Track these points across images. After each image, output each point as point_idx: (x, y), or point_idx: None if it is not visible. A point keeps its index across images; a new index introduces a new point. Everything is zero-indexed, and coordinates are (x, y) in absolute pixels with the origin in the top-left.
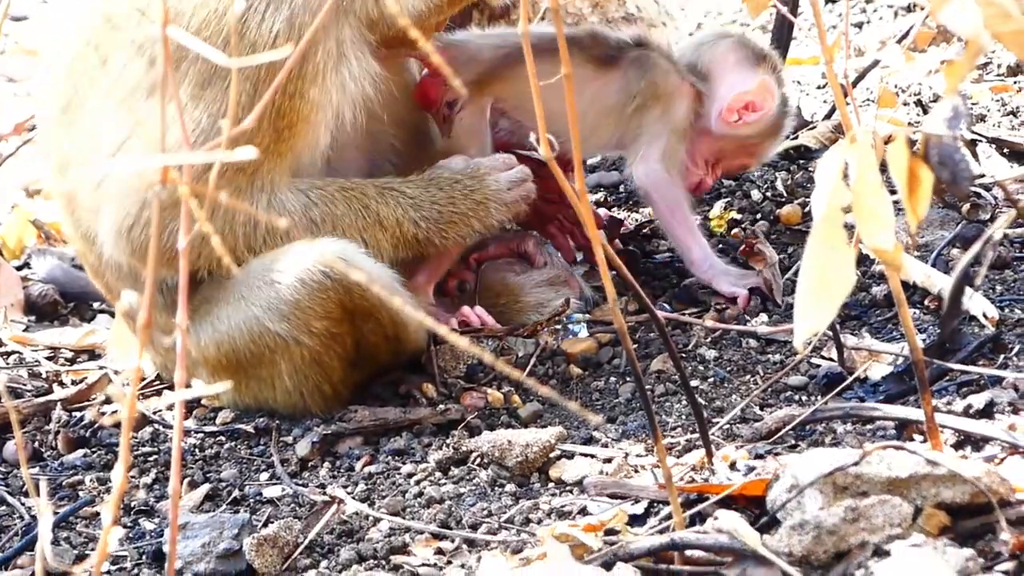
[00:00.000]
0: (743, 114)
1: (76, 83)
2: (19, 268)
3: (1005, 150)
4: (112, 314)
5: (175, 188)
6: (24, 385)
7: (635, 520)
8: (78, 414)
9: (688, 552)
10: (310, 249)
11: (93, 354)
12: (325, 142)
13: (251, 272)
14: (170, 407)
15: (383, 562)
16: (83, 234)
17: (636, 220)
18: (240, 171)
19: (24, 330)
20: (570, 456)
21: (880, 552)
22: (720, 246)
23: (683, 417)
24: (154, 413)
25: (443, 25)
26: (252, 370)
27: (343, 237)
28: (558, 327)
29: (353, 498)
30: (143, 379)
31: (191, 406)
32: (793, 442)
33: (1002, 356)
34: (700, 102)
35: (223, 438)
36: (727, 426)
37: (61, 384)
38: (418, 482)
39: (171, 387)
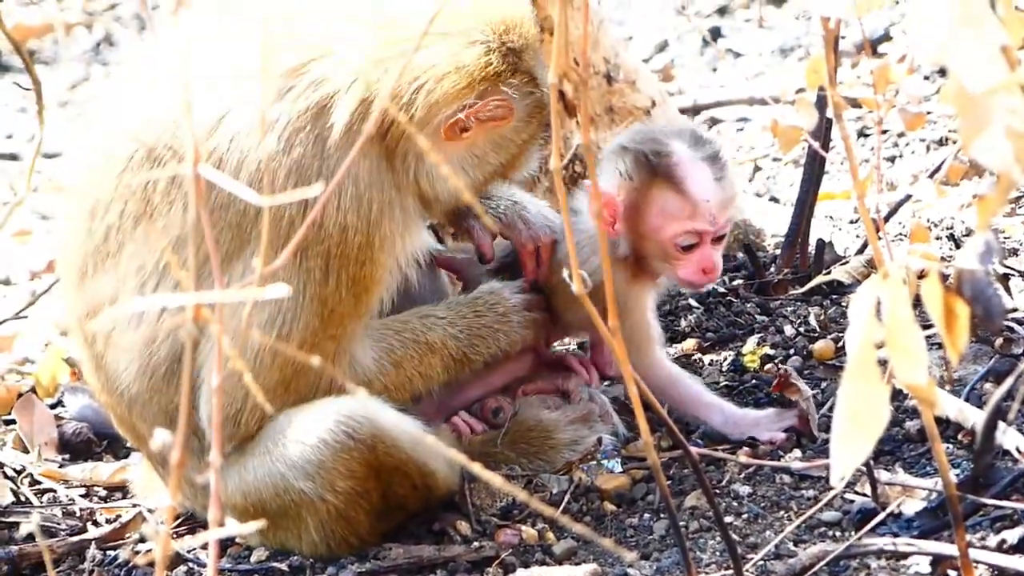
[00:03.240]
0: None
1: (106, 228)
2: (52, 406)
3: None
4: None
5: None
6: (59, 524)
7: None
8: (112, 553)
9: None
10: (333, 407)
11: (126, 491)
12: (387, 299)
13: (277, 426)
14: (204, 546)
15: None
16: (109, 380)
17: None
18: (330, 338)
19: (59, 467)
20: None
21: None
22: (754, 381)
23: (717, 553)
24: (188, 552)
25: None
26: (279, 520)
27: (403, 374)
28: (592, 463)
29: None
30: (177, 517)
31: (225, 545)
32: None
33: None
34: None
35: None
36: (761, 562)
37: (95, 523)
38: None
39: (204, 526)
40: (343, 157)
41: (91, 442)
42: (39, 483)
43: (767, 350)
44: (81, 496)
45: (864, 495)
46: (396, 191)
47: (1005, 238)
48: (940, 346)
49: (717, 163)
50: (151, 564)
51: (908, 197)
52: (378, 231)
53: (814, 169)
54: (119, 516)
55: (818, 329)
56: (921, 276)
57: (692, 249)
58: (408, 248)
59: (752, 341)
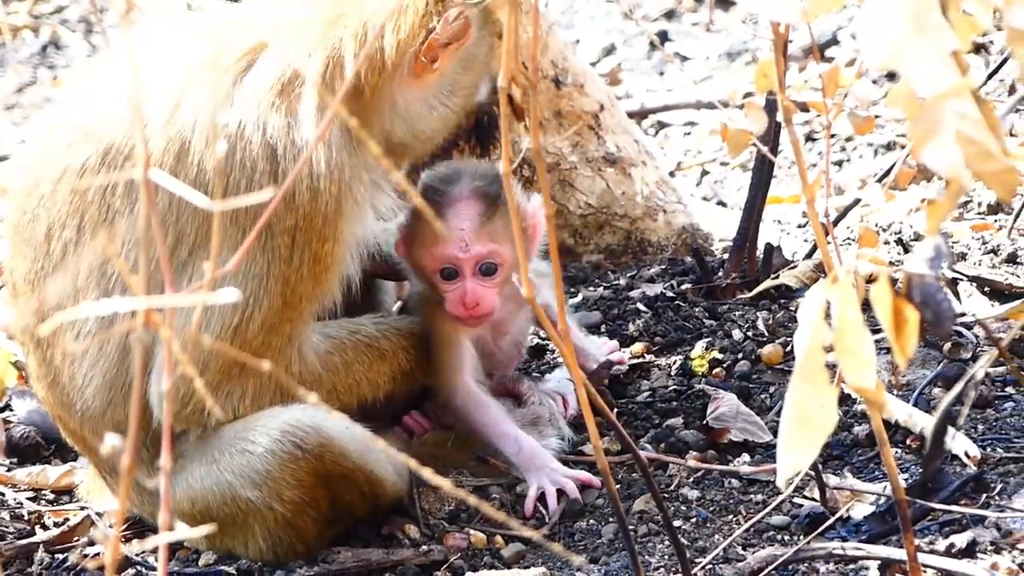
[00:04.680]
0: None
1: (59, 240)
2: (0, 410)
3: (986, 289)
4: None
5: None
6: (6, 527)
7: None
8: (60, 556)
9: None
10: (281, 416)
11: (74, 495)
12: (344, 281)
13: (224, 436)
14: (153, 550)
15: None
16: (63, 392)
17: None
18: (288, 320)
19: (7, 471)
20: None
21: None
22: (699, 386)
23: (666, 557)
24: (137, 555)
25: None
26: (227, 527)
27: (352, 376)
28: None
29: None
30: (126, 521)
31: (173, 549)
32: None
33: (984, 495)
34: None
35: None
36: (710, 566)
37: (43, 526)
38: None
39: (153, 530)
40: (314, 125)
41: (39, 446)
42: None
43: (715, 354)
44: (29, 499)
45: (813, 499)
46: (366, 155)
47: (953, 242)
48: (888, 350)
49: (484, 199)
50: (100, 568)
51: (857, 201)
52: (349, 196)
53: (763, 173)
54: (67, 519)
55: (766, 333)
56: (870, 280)
57: (454, 280)
58: (371, 221)
59: (700, 345)
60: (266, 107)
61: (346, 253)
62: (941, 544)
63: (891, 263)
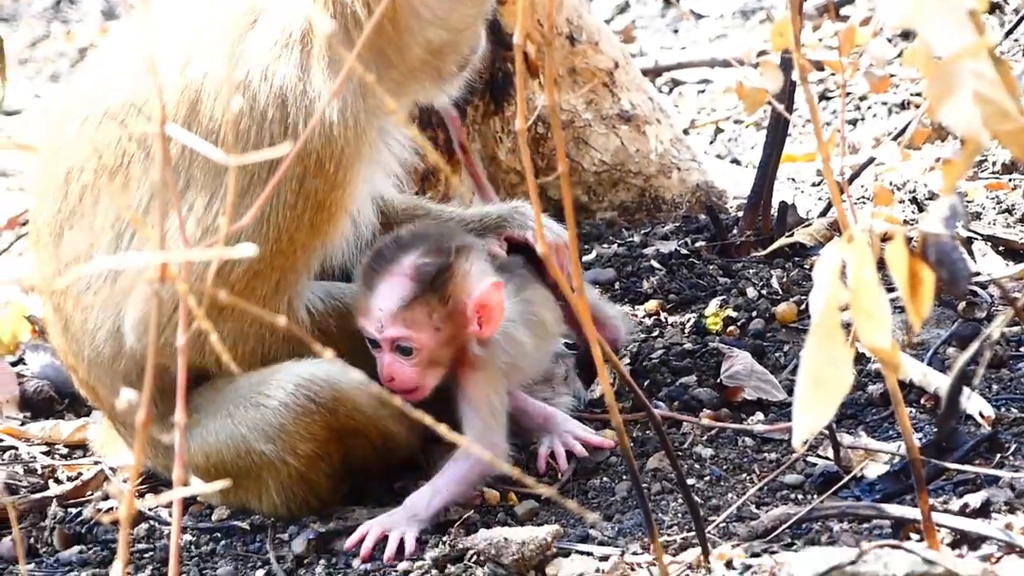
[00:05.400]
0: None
1: (80, 188)
2: (14, 364)
3: (1000, 248)
4: None
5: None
6: (20, 481)
7: None
8: (74, 510)
9: None
10: (295, 370)
11: (87, 449)
12: (352, 235)
13: (239, 389)
14: (167, 504)
15: None
16: (75, 341)
17: (637, 317)
18: (276, 268)
19: (20, 425)
20: (567, 554)
21: None
22: (713, 344)
23: (679, 515)
24: (150, 510)
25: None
26: (240, 481)
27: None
28: None
29: None
30: (139, 475)
31: (187, 503)
32: (789, 540)
33: (998, 455)
34: None
35: (219, 535)
36: (723, 524)
37: (57, 480)
38: None
39: (167, 484)
40: (330, 70)
41: (52, 400)
42: (0, 440)
43: (730, 312)
44: (42, 454)
45: (827, 459)
46: (394, 84)
47: (968, 202)
48: (903, 310)
49: (414, 284)
50: (115, 522)
51: (871, 160)
52: (363, 143)
53: (777, 131)
54: (80, 474)
55: (780, 291)
56: (884, 239)
57: (377, 351)
58: (386, 173)
59: (714, 303)
60: (274, 57)
61: (353, 204)
62: (955, 504)
63: (906, 222)
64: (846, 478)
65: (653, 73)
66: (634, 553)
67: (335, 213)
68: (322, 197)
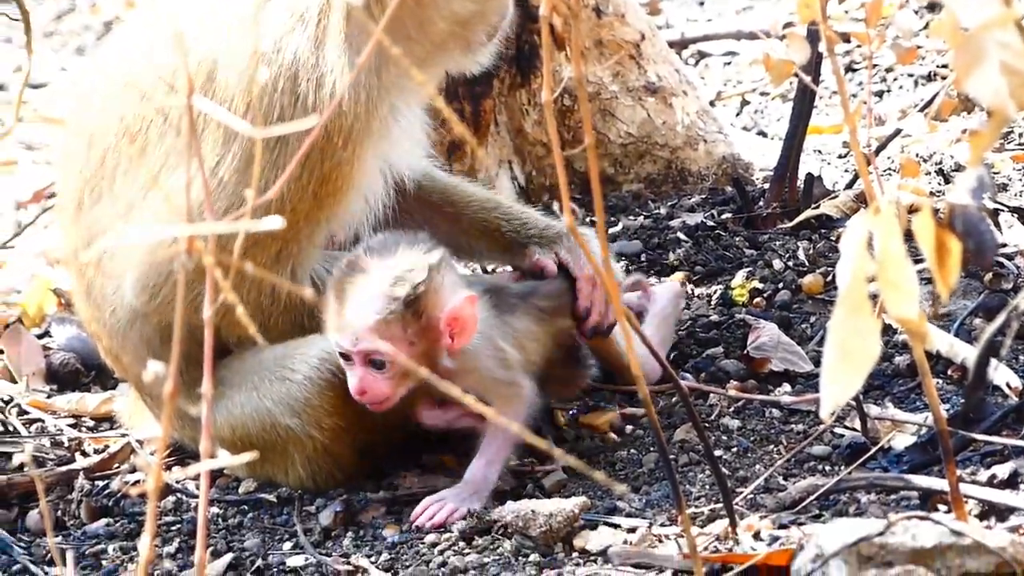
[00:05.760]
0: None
1: (102, 155)
2: (40, 336)
3: None
4: None
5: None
6: (47, 454)
7: None
8: (101, 483)
9: None
10: (319, 344)
11: (114, 422)
12: (377, 204)
13: (263, 363)
14: (195, 477)
15: None
16: (97, 308)
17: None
18: (274, 238)
19: (47, 398)
20: (594, 526)
21: None
22: (740, 316)
23: (707, 487)
24: (177, 483)
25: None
26: (266, 454)
27: None
28: (585, 397)
29: (377, 568)
30: (167, 448)
31: (214, 476)
32: (817, 512)
33: None
34: None
35: (246, 507)
36: (751, 496)
37: (84, 453)
38: (442, 552)
39: (194, 457)
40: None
41: (79, 372)
42: (27, 413)
43: (756, 284)
44: (69, 426)
45: (854, 430)
46: (396, 77)
47: (995, 173)
48: (929, 281)
49: (389, 299)
50: (142, 495)
51: (898, 131)
52: (374, 118)
53: (804, 103)
54: (107, 446)
55: (807, 263)
56: (911, 211)
57: (349, 364)
58: (404, 148)
59: (741, 275)
60: (288, 30)
61: (362, 179)
62: (983, 475)
63: (932, 194)
64: (873, 449)
65: (679, 45)
66: (662, 525)
67: (341, 187)
68: (328, 171)
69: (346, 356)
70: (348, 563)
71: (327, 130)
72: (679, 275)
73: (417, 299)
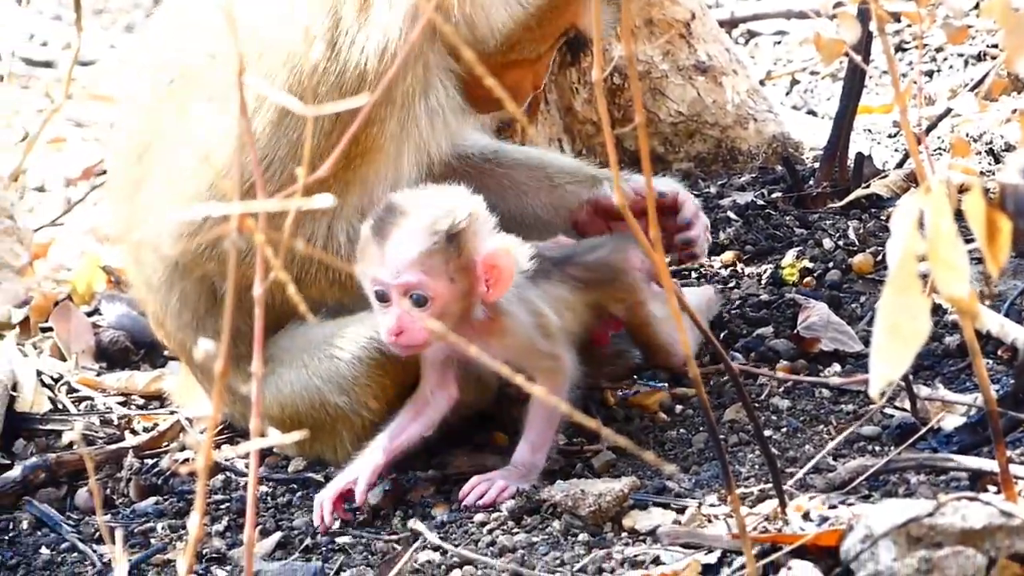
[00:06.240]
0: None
1: (152, 133)
2: (89, 314)
3: None
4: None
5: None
6: (96, 432)
7: (708, 570)
8: (150, 461)
9: None
10: (368, 322)
11: (163, 400)
12: (409, 176)
13: (312, 341)
14: (244, 456)
15: None
16: (147, 282)
17: (713, 268)
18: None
19: (96, 376)
20: (643, 506)
21: None
22: (789, 295)
23: (756, 467)
24: (226, 461)
25: (543, 67)
26: (315, 433)
27: None
28: (636, 376)
29: (426, 547)
30: (216, 425)
31: (263, 454)
32: (866, 492)
33: None
34: None
35: (295, 486)
36: (801, 476)
37: (133, 431)
38: (491, 531)
39: (243, 435)
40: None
41: (128, 350)
42: (76, 391)
43: (806, 263)
44: (119, 404)
45: (903, 410)
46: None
47: None
48: (979, 260)
49: (429, 233)
50: (191, 473)
51: (948, 111)
52: (402, 83)
53: (854, 82)
54: (156, 424)
55: (857, 243)
56: (961, 190)
57: (386, 304)
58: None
59: (791, 254)
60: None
61: (392, 144)
62: None
63: (982, 173)
64: (923, 430)
65: (729, 24)
66: (711, 505)
67: (370, 150)
68: (357, 130)
69: (382, 297)
70: (397, 542)
71: (355, 89)
72: (729, 254)
73: (458, 235)
